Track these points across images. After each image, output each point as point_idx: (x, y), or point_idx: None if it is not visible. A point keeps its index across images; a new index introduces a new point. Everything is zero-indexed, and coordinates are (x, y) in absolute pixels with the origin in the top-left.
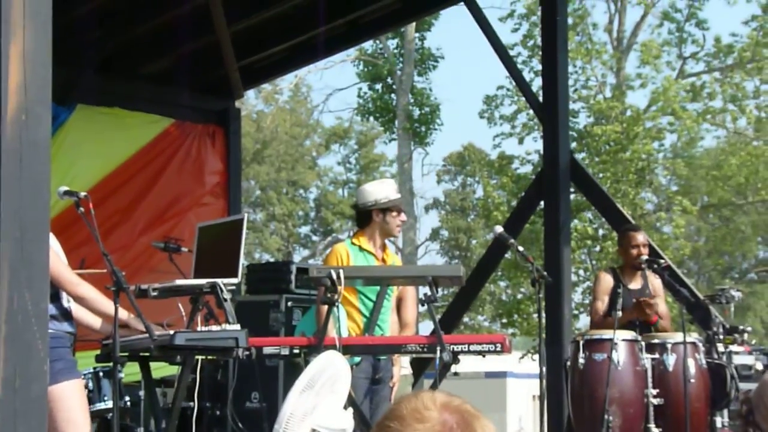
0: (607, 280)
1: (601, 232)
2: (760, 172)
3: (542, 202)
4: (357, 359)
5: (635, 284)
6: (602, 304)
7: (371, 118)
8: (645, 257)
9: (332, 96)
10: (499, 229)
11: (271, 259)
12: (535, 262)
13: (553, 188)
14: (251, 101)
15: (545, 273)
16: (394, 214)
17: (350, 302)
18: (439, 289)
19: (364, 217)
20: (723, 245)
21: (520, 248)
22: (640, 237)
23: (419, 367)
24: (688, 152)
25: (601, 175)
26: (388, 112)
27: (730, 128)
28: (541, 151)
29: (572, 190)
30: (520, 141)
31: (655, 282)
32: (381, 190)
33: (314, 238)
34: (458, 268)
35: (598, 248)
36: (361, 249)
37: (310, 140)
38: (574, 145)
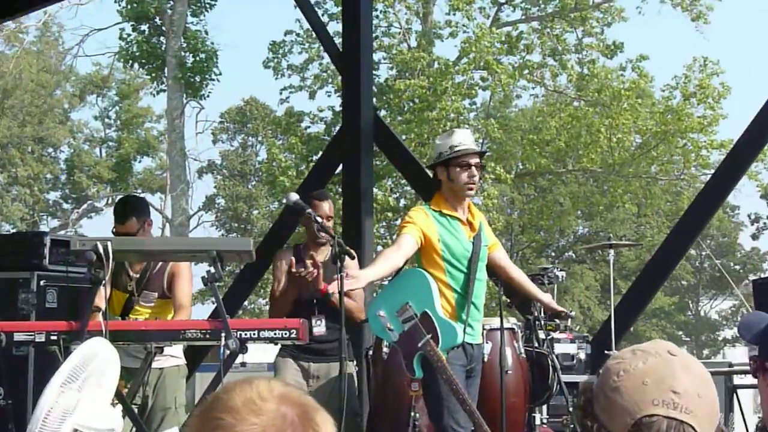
0: (284, 258)
1: (402, 202)
2: (582, 136)
3: (341, 166)
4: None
5: (319, 260)
6: (279, 286)
7: (135, 65)
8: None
9: (89, 37)
10: (295, 196)
11: (14, 230)
12: (336, 236)
13: (354, 150)
14: None
15: (348, 248)
16: (459, 168)
17: (437, 275)
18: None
19: (436, 175)
20: (539, 219)
21: (319, 218)
22: (326, 206)
23: (195, 356)
24: (502, 112)
25: (404, 136)
26: (156, 59)
27: (550, 86)
28: (337, 108)
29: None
30: (312, 95)
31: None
32: (447, 141)
33: (65, 205)
34: (248, 242)
35: (399, 221)
36: (441, 213)
37: (61, 90)
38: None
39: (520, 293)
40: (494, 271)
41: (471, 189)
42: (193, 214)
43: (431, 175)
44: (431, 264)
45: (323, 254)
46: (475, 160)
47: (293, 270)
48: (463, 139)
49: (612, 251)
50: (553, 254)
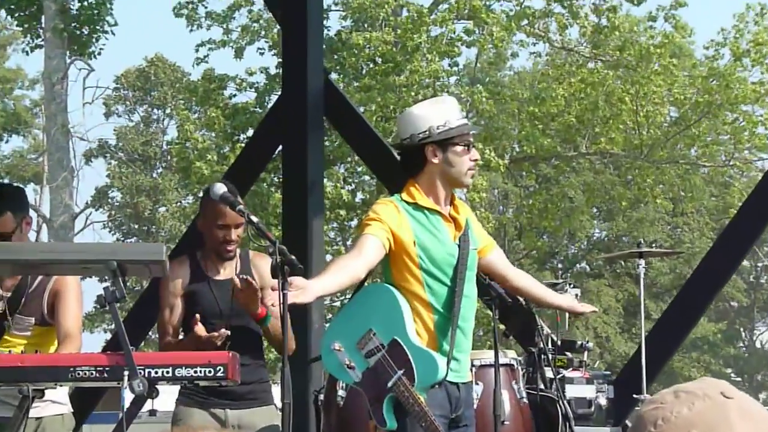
0: (177, 276)
1: (360, 196)
2: (600, 109)
3: (279, 148)
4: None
5: (224, 273)
6: (172, 315)
7: (2, 12)
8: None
9: None
10: (221, 188)
11: None
12: (277, 240)
13: (298, 127)
14: None
15: (293, 257)
16: (460, 148)
17: (412, 290)
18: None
19: (414, 157)
20: (542, 219)
21: (255, 218)
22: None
23: (84, 402)
24: (492, 76)
25: (363, 108)
26: (30, 3)
27: (556, 42)
28: (273, 70)
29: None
30: (238, 54)
31: (262, 267)
32: (438, 112)
33: None
34: (159, 249)
35: (355, 221)
36: (417, 207)
37: None
38: None
39: (532, 301)
40: (490, 280)
41: (473, 176)
42: (79, 212)
43: (403, 156)
44: (404, 275)
45: (230, 270)
46: (472, 140)
47: (201, 335)
48: (457, 109)
49: (641, 262)
50: (560, 266)
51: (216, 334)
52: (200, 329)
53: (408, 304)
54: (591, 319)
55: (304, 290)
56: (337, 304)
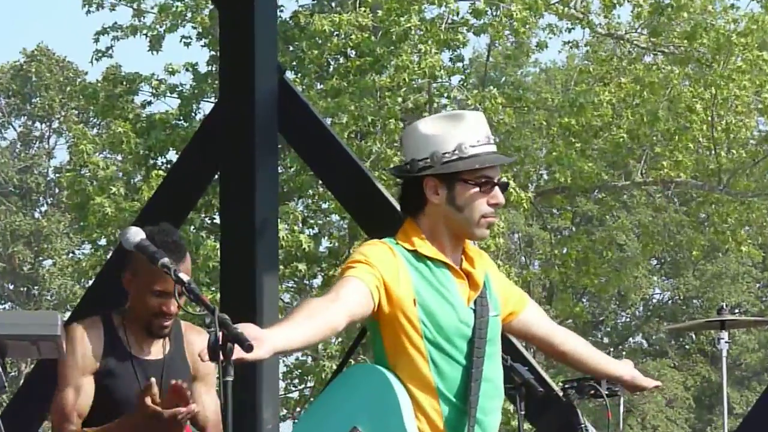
0: (88, 345)
1: (325, 244)
2: (661, 119)
3: (217, 175)
4: None
5: (153, 351)
6: (78, 398)
7: None
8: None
9: None
10: (138, 234)
11: None
12: (216, 307)
13: (243, 148)
14: None
15: (239, 330)
16: (474, 188)
17: (412, 370)
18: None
19: (412, 191)
20: (581, 275)
21: (185, 277)
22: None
23: None
24: (510, 75)
25: (330, 120)
26: None
27: (599, 26)
28: (206, 68)
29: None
30: (155, 45)
31: (200, 345)
32: (450, 132)
33: None
34: (52, 319)
35: (319, 279)
36: (418, 256)
37: None
38: None
39: (585, 372)
40: (512, 361)
41: (490, 226)
42: None
43: (403, 188)
44: (402, 347)
45: (158, 348)
46: (497, 175)
47: (150, 403)
48: (481, 130)
49: (723, 335)
50: (606, 340)
51: (182, 410)
52: (151, 401)
53: (406, 391)
54: (650, 414)
55: (260, 342)
56: (295, 395)
